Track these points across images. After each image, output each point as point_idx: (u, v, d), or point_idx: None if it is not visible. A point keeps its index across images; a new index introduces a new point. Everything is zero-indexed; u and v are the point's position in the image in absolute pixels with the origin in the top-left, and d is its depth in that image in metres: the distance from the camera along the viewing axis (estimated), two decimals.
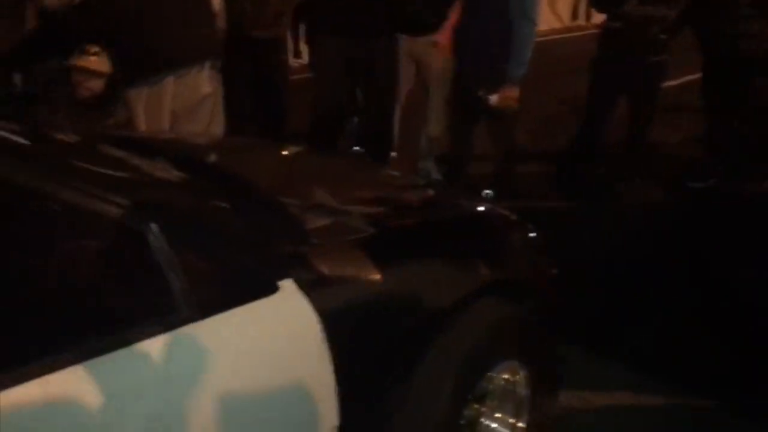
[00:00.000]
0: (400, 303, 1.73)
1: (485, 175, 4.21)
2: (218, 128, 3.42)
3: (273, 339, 1.46)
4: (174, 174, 1.82)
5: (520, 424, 2.11)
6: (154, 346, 1.27)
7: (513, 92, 3.91)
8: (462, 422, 1.98)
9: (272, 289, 1.48)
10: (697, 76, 4.95)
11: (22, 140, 1.68)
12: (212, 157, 2.48)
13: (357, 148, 4.52)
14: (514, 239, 2.31)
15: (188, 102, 3.25)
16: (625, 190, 4.56)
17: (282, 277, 1.51)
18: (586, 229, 3.88)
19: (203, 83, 3.28)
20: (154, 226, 1.35)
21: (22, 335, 1.16)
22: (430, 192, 2.57)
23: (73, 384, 1.16)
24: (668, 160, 5.05)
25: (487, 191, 3.96)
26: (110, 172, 1.71)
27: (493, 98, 3.89)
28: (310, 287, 1.53)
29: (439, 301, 1.81)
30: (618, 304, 3.15)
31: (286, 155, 2.60)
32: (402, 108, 4.52)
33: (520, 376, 2.08)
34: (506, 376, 2.07)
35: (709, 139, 4.81)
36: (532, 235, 2.31)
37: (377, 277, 1.68)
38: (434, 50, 4.23)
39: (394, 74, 4.27)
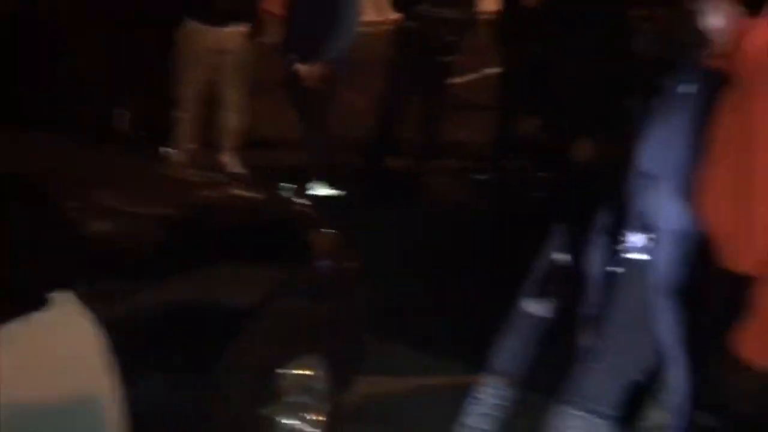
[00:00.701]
0: (190, 308, 1.70)
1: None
2: None
3: (48, 353, 1.37)
4: None
5: (320, 417, 2.16)
6: None
7: (322, 71, 3.97)
8: (260, 422, 1.99)
9: (45, 302, 1.38)
10: (481, 74, 5.30)
11: None
12: None
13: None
14: (312, 236, 2.34)
15: None
16: (420, 186, 4.79)
17: (58, 288, 1.41)
18: (386, 223, 4.02)
19: None
20: None
21: None
22: (227, 190, 2.53)
23: None
24: (457, 156, 5.37)
25: (288, 185, 3.97)
26: None
27: (302, 68, 3.91)
28: (90, 298, 1.45)
29: (232, 303, 1.80)
30: (413, 295, 3.32)
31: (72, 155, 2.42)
32: (198, 101, 4.37)
33: (317, 371, 2.12)
34: (303, 371, 2.11)
35: (496, 136, 5.18)
36: (331, 231, 2.36)
37: (164, 282, 1.63)
38: (239, 40, 4.16)
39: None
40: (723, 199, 1.18)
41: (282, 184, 3.89)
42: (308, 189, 4.17)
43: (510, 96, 4.94)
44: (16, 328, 1.31)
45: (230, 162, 4.44)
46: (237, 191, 2.50)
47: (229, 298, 1.81)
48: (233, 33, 4.17)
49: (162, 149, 4.25)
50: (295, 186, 3.96)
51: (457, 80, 5.26)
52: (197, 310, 1.71)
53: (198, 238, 1.90)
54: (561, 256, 3.22)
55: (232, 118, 4.40)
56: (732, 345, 1.10)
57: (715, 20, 1.23)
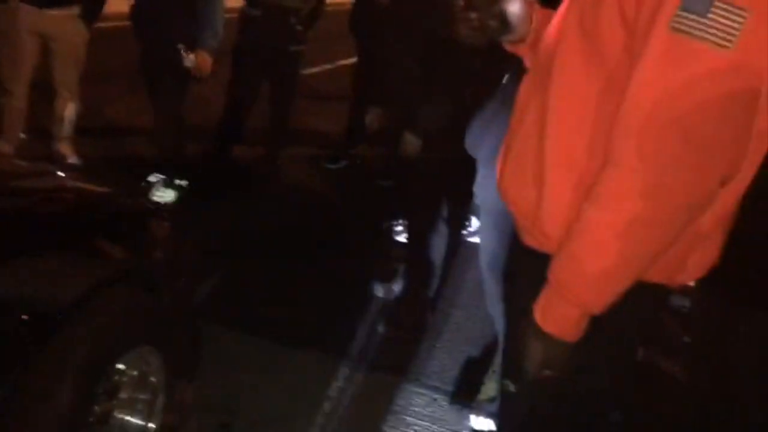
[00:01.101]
0: (9, 300, 1.60)
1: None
2: None
3: None
4: None
5: (157, 411, 2.10)
6: None
7: (208, 58, 3.85)
8: (91, 419, 1.91)
9: None
10: (331, 66, 5.37)
11: None
12: None
13: None
14: (147, 226, 2.27)
15: None
16: (270, 173, 4.76)
17: None
18: (235, 212, 3.97)
19: None
20: None
21: None
22: (56, 180, 2.39)
23: None
24: (308, 144, 5.40)
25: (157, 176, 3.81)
26: None
27: (190, 58, 3.76)
28: None
29: (56, 295, 1.71)
30: (260, 284, 3.30)
31: None
32: (24, 86, 4.09)
33: (153, 364, 2.06)
34: (137, 365, 2.04)
35: (346, 125, 5.25)
36: (167, 221, 2.30)
37: None
38: (70, 23, 3.93)
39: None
40: (519, 178, 1.27)
41: (121, 173, 3.75)
42: (151, 178, 4.02)
43: (359, 87, 5.03)
44: None
45: (65, 151, 4.20)
46: (67, 181, 2.38)
47: (53, 290, 1.72)
48: (61, 15, 3.93)
49: None
50: (137, 176, 3.82)
51: (309, 70, 5.28)
52: (19, 302, 1.61)
53: (22, 228, 1.79)
54: (406, 241, 3.33)
55: (66, 106, 4.16)
56: (533, 316, 1.19)
57: (514, 8, 1.32)
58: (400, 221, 3.79)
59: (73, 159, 4.18)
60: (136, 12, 3.89)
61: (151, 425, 2.09)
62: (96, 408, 1.93)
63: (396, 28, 2.95)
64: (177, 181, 4.01)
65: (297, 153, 5.12)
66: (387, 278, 3.39)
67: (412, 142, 2.74)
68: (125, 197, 2.42)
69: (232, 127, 4.60)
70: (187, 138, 4.21)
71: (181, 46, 3.77)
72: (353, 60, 5.31)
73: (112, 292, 1.88)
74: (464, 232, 3.63)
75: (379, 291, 3.36)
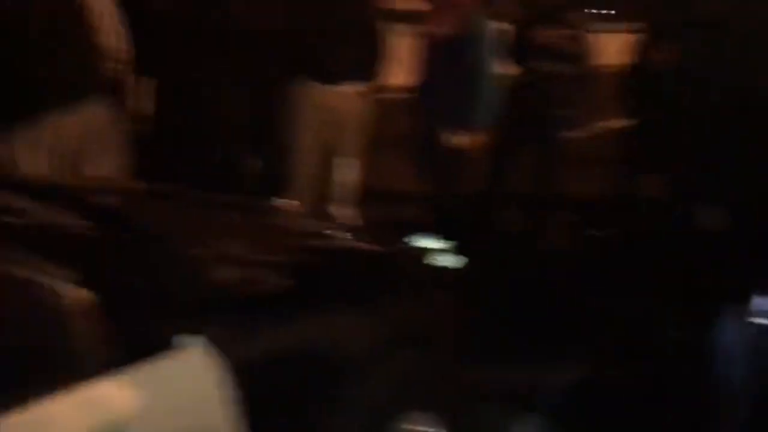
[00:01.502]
0: (309, 356, 1.70)
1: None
2: (114, 169, 3.21)
3: (178, 397, 1.39)
4: (77, 223, 1.73)
5: None
6: (59, 403, 1.19)
7: (480, 137, 3.99)
8: None
9: (173, 346, 1.42)
10: (601, 128, 5.19)
11: None
12: (121, 204, 2.39)
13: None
14: (434, 290, 2.31)
15: (74, 142, 3.01)
16: (533, 238, 4.70)
17: (186, 333, 1.45)
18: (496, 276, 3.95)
19: (91, 120, 3.06)
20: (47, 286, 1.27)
21: None
22: (343, 240, 2.55)
23: None
24: (571, 210, 5.24)
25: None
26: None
27: (462, 139, 3.93)
28: (218, 342, 1.48)
29: (350, 353, 1.79)
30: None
31: (191, 201, 2.53)
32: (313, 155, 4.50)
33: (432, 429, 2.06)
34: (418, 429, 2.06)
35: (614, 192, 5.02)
36: (444, 287, 2.33)
37: (288, 331, 1.65)
38: (356, 99, 4.28)
39: None
40: None
41: (400, 236, 3.92)
42: (420, 242, 4.15)
43: (631, 151, 4.80)
44: (144, 370, 1.35)
45: (345, 214, 4.52)
46: (352, 242, 2.53)
47: (344, 346, 1.81)
48: (349, 92, 4.29)
49: (279, 201, 4.40)
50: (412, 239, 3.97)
51: (574, 133, 5.18)
52: (313, 357, 1.71)
53: (314, 286, 1.92)
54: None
55: (347, 173, 4.50)
56: None
57: None
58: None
59: (352, 221, 4.49)
60: (418, 87, 4.12)
61: None
62: None
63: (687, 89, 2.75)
64: (452, 248, 4.11)
65: (560, 218, 5.00)
66: None
67: (711, 215, 2.49)
68: (405, 260, 2.50)
69: (496, 189, 4.64)
70: (458, 205, 4.32)
71: (451, 132, 3.90)
72: (620, 123, 5.11)
73: (399, 351, 1.93)
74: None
75: None
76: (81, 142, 3.01)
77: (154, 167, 3.95)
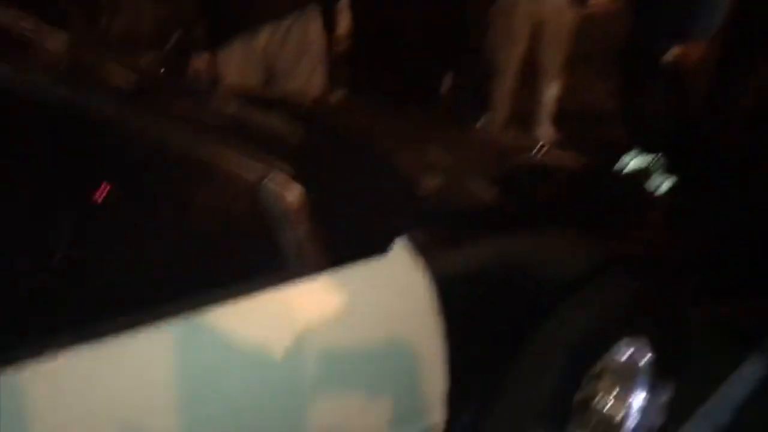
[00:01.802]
0: (517, 272, 1.62)
1: None
2: (318, 82, 3.24)
3: (383, 300, 1.39)
4: (289, 129, 1.76)
5: (637, 408, 1.97)
6: (265, 300, 1.22)
7: (695, 51, 3.60)
8: (571, 406, 1.87)
9: (385, 249, 1.40)
10: None
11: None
12: (326, 113, 2.42)
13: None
14: (644, 210, 2.13)
15: (287, 56, 3.00)
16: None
17: (396, 237, 1.43)
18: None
19: (304, 33, 3.01)
20: (267, 180, 1.29)
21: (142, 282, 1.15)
22: (553, 158, 2.40)
23: (182, 332, 1.14)
24: None
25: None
26: (231, 124, 1.67)
27: (672, 53, 3.58)
28: (425, 249, 1.44)
29: (560, 273, 1.69)
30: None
31: (400, 114, 2.51)
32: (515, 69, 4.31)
33: (642, 359, 1.93)
34: (626, 356, 1.93)
35: None
36: (660, 209, 2.13)
37: (495, 243, 1.58)
38: (562, 8, 4.03)
39: None
40: None
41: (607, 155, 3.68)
42: (630, 161, 3.88)
43: None
44: (356, 271, 1.35)
45: (545, 133, 4.32)
46: (558, 158, 2.38)
47: (551, 266, 1.70)
48: (557, 3, 4.03)
49: (480, 116, 4.30)
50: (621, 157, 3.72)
51: None
52: (522, 276, 1.63)
53: (520, 201, 1.82)
54: None
55: (547, 88, 4.28)
56: None
57: None
58: None
59: (552, 141, 4.28)
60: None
61: (628, 423, 1.97)
62: (579, 392, 1.88)
63: None
64: (663, 168, 3.80)
65: None
66: None
67: None
68: (617, 181, 2.33)
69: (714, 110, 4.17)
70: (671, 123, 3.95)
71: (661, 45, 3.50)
72: None
73: (612, 275, 1.79)
74: None
75: None
76: (288, 56, 3.06)
77: (359, 81, 4.02)
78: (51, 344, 1.02)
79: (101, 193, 1.16)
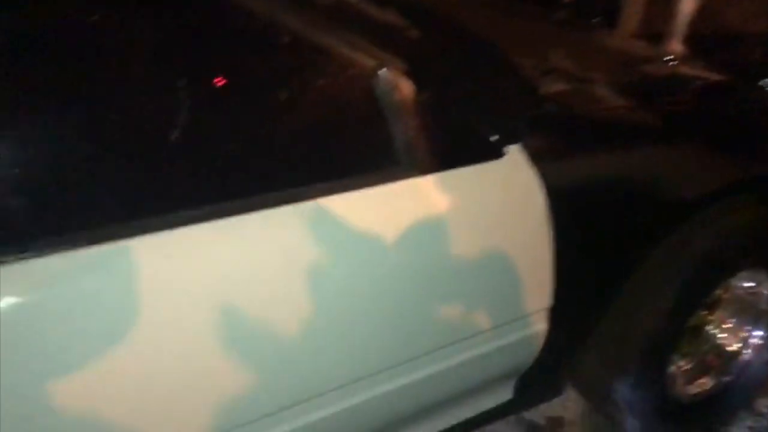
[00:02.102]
0: (637, 188, 1.53)
1: None
2: None
3: (493, 205, 1.35)
4: (409, 29, 1.71)
5: (755, 340, 1.87)
6: (371, 195, 1.22)
7: None
8: (686, 327, 1.79)
9: (498, 154, 1.35)
10: None
11: None
12: (444, 14, 2.33)
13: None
14: None
15: None
16: None
17: (510, 142, 1.38)
18: None
19: None
20: (382, 73, 1.26)
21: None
22: (686, 69, 2.23)
23: (292, 219, 1.16)
24: None
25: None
26: (350, 20, 1.63)
27: None
28: (538, 155, 1.38)
29: (682, 192, 1.58)
30: None
31: (524, 16, 2.38)
32: None
33: (764, 293, 1.82)
34: (748, 285, 1.82)
35: None
36: None
37: (615, 155, 1.49)
38: None
39: None
40: None
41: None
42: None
43: None
44: (468, 173, 1.32)
45: (677, 49, 4.03)
46: (692, 70, 2.20)
47: (676, 183, 1.60)
48: None
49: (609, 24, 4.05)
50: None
51: None
52: (642, 192, 1.54)
53: (646, 111, 1.70)
54: None
55: (682, 3, 3.95)
56: None
57: None
58: None
59: (683, 57, 3.99)
60: None
61: (745, 353, 1.88)
62: (693, 317, 1.80)
63: None
64: None
65: None
66: None
67: None
68: (756, 98, 2.13)
69: None
70: None
71: None
72: None
73: (739, 199, 1.67)
74: None
75: None
76: None
77: None
78: (170, 221, 1.05)
79: (220, 80, 1.17)
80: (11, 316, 0.94)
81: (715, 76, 2.12)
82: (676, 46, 4.04)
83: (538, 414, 1.95)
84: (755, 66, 3.76)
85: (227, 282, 1.09)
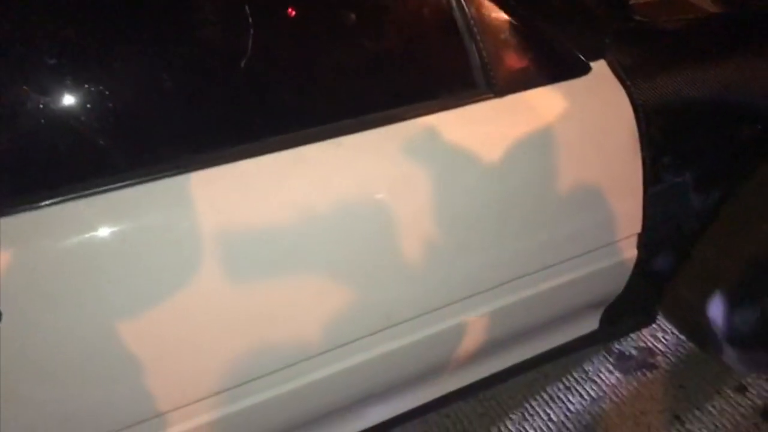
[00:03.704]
0: (733, 100, 1.42)
1: None
2: None
3: (578, 124, 1.28)
4: None
5: None
6: (456, 117, 1.18)
7: None
8: None
9: (585, 70, 1.28)
10: None
11: None
12: None
13: None
14: None
15: None
16: None
17: (597, 57, 1.30)
18: None
19: None
20: None
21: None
22: None
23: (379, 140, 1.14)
24: None
25: None
26: None
27: None
28: (627, 71, 1.30)
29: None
30: None
31: None
32: None
33: None
34: None
35: None
36: None
37: (709, 67, 1.38)
38: None
39: None
40: None
41: None
42: None
43: None
44: (555, 91, 1.25)
45: None
46: None
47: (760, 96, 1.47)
48: None
49: None
50: None
51: None
52: (736, 110, 1.43)
53: (736, 19, 1.56)
54: None
55: None
56: None
57: None
58: None
59: None
60: None
61: None
62: None
63: None
64: None
65: None
66: None
67: None
68: None
69: None
70: None
71: None
72: None
73: None
74: None
75: None
76: None
77: None
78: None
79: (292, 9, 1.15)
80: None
81: None
82: None
83: (628, 344, 1.90)
84: None
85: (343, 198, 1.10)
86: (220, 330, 1.05)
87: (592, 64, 1.29)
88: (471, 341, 1.33)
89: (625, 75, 1.30)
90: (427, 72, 1.23)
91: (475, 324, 1.30)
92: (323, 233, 1.08)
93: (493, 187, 1.21)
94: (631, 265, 1.45)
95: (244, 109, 1.09)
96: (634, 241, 1.42)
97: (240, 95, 1.09)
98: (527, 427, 1.69)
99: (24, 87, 0.97)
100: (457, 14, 1.21)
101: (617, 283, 1.49)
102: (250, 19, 1.10)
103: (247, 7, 1.10)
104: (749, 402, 1.75)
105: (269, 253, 1.05)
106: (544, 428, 1.69)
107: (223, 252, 1.01)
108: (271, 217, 1.05)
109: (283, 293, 1.07)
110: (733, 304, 1.55)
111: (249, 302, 1.05)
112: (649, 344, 1.91)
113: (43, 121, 0.97)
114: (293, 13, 1.15)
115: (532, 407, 1.74)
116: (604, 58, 1.30)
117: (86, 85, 1.00)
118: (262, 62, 1.11)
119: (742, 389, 1.78)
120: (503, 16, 1.25)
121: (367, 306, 1.16)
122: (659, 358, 1.87)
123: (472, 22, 1.21)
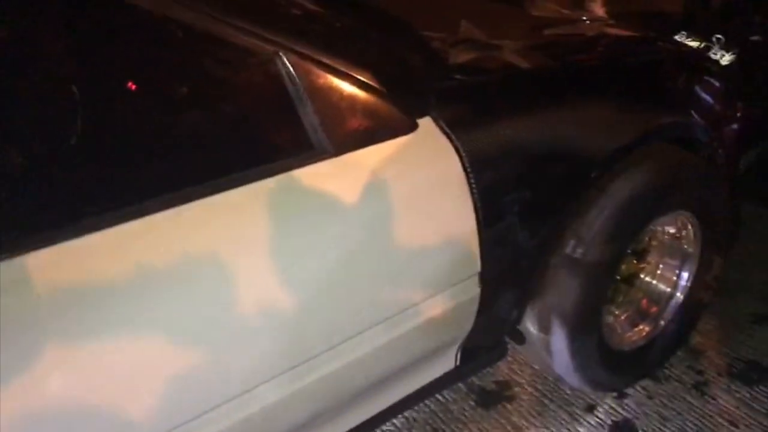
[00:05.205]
0: (553, 146, 1.56)
1: None
2: None
3: (411, 178, 1.36)
4: (314, 9, 1.70)
5: (684, 283, 1.94)
6: (290, 180, 1.22)
7: None
8: (618, 277, 1.85)
9: (413, 127, 1.37)
10: None
11: None
12: None
13: None
14: (694, 80, 2.00)
15: None
16: None
17: (422, 114, 1.39)
18: None
19: None
20: (284, 61, 1.26)
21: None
22: (599, 28, 2.27)
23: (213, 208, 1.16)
24: None
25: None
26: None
27: None
28: (452, 126, 1.40)
29: (598, 145, 1.62)
30: None
31: None
32: None
33: (689, 232, 1.87)
34: (672, 229, 1.88)
35: None
36: (719, 82, 2.00)
37: (529, 117, 1.51)
38: None
39: None
40: None
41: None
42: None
43: None
44: (385, 149, 1.32)
45: (594, 7, 4.10)
46: (604, 29, 2.24)
47: (597, 137, 1.63)
48: None
49: None
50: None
51: None
52: (558, 149, 1.57)
53: (556, 70, 1.72)
54: None
55: None
56: None
57: None
58: None
59: (601, 12, 4.05)
60: None
61: (677, 295, 1.94)
62: (623, 267, 1.85)
63: None
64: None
65: None
66: None
67: None
68: (670, 46, 2.18)
69: None
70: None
71: None
72: None
73: (656, 147, 1.72)
74: None
75: None
76: None
77: None
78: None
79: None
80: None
81: (626, 32, 2.16)
82: (595, 6, 4.11)
83: (488, 379, 1.99)
84: (672, 20, 3.84)
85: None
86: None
87: (419, 121, 1.38)
88: (329, 396, 1.36)
89: (449, 129, 1.40)
90: (264, 137, 1.26)
91: (331, 378, 1.33)
92: (163, 303, 1.08)
93: (336, 243, 1.26)
94: (476, 302, 1.54)
95: (69, 187, 1.08)
96: (476, 279, 1.51)
97: (67, 171, 1.08)
98: None
99: None
100: (287, 82, 1.27)
101: (466, 321, 1.57)
102: (77, 96, 1.10)
103: (74, 86, 1.10)
104: (598, 420, 1.88)
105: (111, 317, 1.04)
106: None
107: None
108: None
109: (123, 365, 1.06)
110: (571, 331, 1.68)
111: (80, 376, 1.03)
112: (507, 377, 2.00)
113: None
114: (127, 85, 1.16)
115: None
116: (430, 115, 1.40)
117: None
118: (88, 137, 1.10)
119: (591, 409, 1.91)
120: (334, 80, 1.32)
121: (219, 372, 1.16)
122: (517, 389, 1.97)
123: (302, 88, 1.27)
